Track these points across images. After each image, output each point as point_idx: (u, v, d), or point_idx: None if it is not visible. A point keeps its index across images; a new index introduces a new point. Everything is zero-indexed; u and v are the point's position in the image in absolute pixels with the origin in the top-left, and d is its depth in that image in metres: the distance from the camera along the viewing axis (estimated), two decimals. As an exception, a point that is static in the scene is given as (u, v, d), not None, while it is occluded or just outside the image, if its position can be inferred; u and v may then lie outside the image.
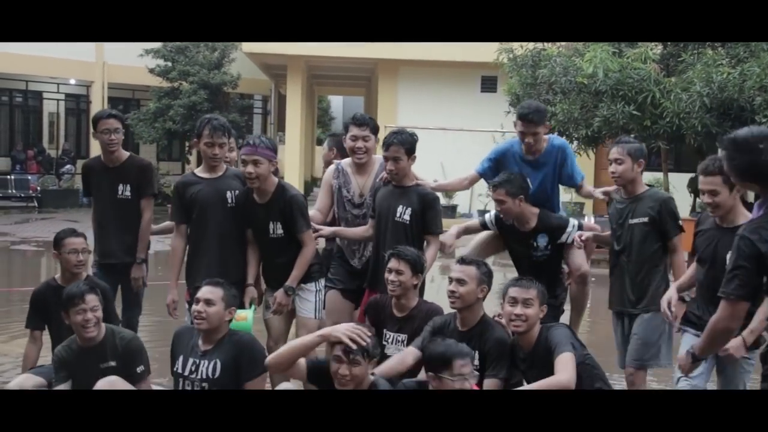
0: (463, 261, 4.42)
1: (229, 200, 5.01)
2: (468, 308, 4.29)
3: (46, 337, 5.06)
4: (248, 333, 4.40)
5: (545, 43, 12.63)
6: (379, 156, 5.18)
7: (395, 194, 4.98)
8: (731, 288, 3.09)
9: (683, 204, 11.14)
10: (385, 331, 4.63)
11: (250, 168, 4.76)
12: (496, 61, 13.47)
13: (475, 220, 5.56)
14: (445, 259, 12.96)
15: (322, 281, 5.10)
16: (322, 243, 5.52)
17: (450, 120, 18.16)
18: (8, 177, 21.78)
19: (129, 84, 24.24)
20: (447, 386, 3.65)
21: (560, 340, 4.03)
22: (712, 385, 4.39)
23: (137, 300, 5.65)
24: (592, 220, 13.65)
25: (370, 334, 3.77)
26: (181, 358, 4.33)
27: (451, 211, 18.06)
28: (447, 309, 4.51)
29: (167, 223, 5.82)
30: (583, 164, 15.56)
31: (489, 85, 19.13)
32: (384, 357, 4.63)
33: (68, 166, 23.22)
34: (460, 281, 4.27)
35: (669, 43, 11.68)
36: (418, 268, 4.51)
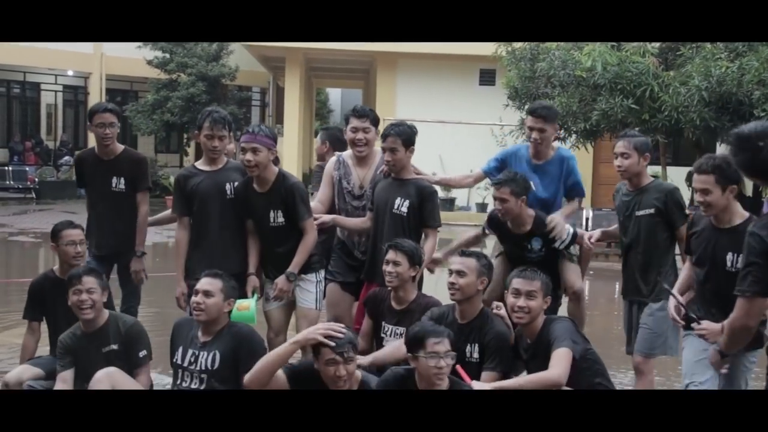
0: (463, 253, 4.42)
1: (228, 192, 5.01)
2: (467, 300, 4.30)
3: (44, 327, 5.07)
4: (247, 325, 4.41)
5: (544, 37, 12.61)
6: (380, 148, 5.18)
7: (393, 186, 4.99)
8: (745, 285, 3.09)
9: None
10: (383, 323, 4.64)
11: (249, 156, 4.76)
12: (495, 54, 13.45)
13: (471, 233, 5.41)
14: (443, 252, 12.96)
15: (323, 272, 5.11)
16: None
17: (448, 113, 18.15)
18: (6, 168, 21.71)
19: (127, 75, 24.18)
20: (422, 365, 3.67)
21: (559, 334, 4.03)
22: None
23: (135, 290, 5.66)
24: (590, 213, 13.68)
25: (342, 326, 3.77)
26: (180, 349, 4.33)
27: (450, 203, 18.06)
28: (446, 302, 4.52)
29: (166, 213, 5.84)
30: (582, 158, 15.64)
31: (487, 78, 19.12)
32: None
33: (66, 158, 23.16)
34: (460, 273, 4.27)
35: (668, 36, 11.67)
36: (415, 259, 4.52)
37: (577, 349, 4.01)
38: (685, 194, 14.22)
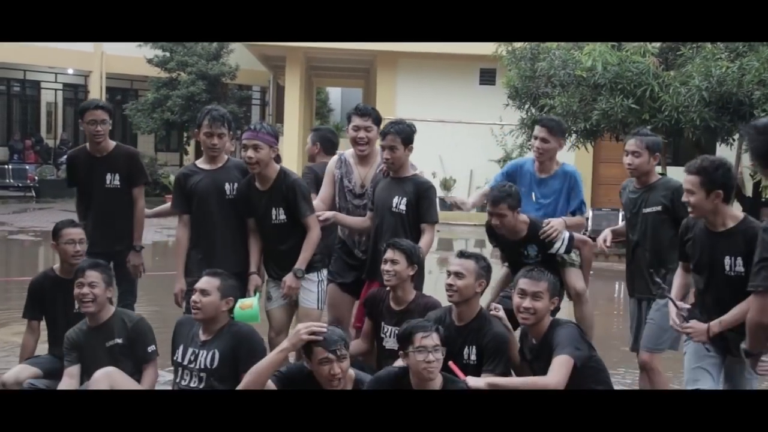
0: (461, 254, 4.41)
1: (228, 192, 5.01)
2: (465, 302, 4.29)
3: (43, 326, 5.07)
4: (247, 324, 4.40)
5: (544, 36, 12.60)
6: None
7: (392, 185, 4.99)
8: (759, 280, 3.10)
9: (681, 198, 11.12)
10: (383, 324, 4.63)
11: (250, 152, 4.76)
12: (495, 53, 13.45)
13: (502, 273, 5.29)
14: (443, 252, 13.01)
15: (324, 271, 5.11)
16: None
17: (448, 112, 18.14)
18: (6, 167, 21.74)
19: (127, 74, 24.17)
20: (412, 360, 3.69)
21: (562, 341, 3.99)
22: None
23: (132, 288, 5.65)
24: (590, 213, 13.67)
25: (322, 323, 3.81)
26: (181, 348, 4.34)
27: (449, 204, 18.02)
28: (444, 303, 4.51)
29: (164, 206, 5.83)
30: (582, 158, 15.66)
31: (488, 77, 19.09)
32: (383, 351, 4.66)
33: (66, 156, 23.11)
34: (458, 275, 4.27)
35: (668, 36, 11.67)
36: (413, 258, 4.51)
37: (578, 356, 3.95)
38: (685, 194, 14.33)
